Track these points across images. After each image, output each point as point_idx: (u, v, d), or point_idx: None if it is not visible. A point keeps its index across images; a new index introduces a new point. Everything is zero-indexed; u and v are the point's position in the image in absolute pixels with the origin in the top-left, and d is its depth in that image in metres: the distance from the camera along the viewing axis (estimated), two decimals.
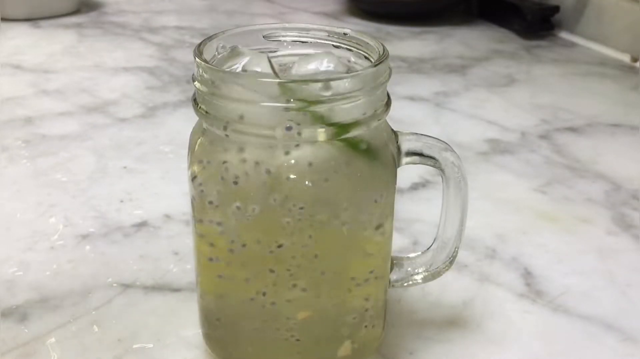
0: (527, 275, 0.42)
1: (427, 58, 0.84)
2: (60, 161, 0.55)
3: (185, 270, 0.42)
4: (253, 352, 0.33)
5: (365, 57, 0.32)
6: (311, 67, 0.31)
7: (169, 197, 0.50)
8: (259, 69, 0.31)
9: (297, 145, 0.28)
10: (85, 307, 0.38)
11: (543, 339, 0.37)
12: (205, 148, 0.30)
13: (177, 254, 0.43)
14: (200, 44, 0.31)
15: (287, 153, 0.28)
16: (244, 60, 0.31)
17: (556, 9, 0.92)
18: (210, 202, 0.30)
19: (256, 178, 0.28)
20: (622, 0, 0.83)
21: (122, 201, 0.50)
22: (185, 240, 0.45)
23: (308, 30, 0.34)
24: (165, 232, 0.46)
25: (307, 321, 0.31)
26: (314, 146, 0.28)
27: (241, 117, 0.28)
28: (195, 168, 0.30)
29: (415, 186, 0.53)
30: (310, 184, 0.28)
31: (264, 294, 0.30)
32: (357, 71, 0.30)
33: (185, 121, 0.51)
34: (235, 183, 0.29)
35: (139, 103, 0.67)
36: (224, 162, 0.29)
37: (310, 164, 0.28)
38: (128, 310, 0.38)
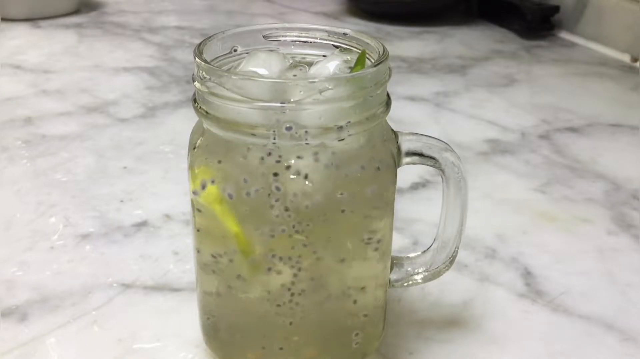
0: (527, 275, 0.42)
1: (427, 58, 0.84)
2: (60, 161, 0.55)
3: (185, 270, 0.42)
4: (253, 352, 0.33)
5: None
6: (330, 66, 0.31)
7: (169, 197, 0.50)
8: (258, 70, 0.31)
9: (297, 146, 0.28)
10: (85, 307, 0.38)
11: (543, 339, 0.37)
12: (205, 148, 0.30)
13: (177, 254, 0.43)
14: (200, 44, 0.31)
15: (286, 153, 0.28)
16: (251, 61, 0.31)
17: (556, 9, 0.92)
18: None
19: (255, 178, 0.28)
20: (622, 0, 0.83)
21: (122, 201, 0.50)
22: (185, 240, 0.45)
23: (308, 30, 0.34)
24: (165, 232, 0.46)
25: (307, 322, 0.31)
26: (313, 146, 0.28)
27: (240, 117, 0.28)
28: (195, 168, 0.30)
29: (415, 186, 0.53)
30: (309, 184, 0.28)
31: (263, 294, 0.30)
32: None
33: (185, 121, 0.51)
34: (236, 182, 0.29)
35: (139, 103, 0.67)
36: (224, 162, 0.29)
37: (309, 164, 0.28)
38: (128, 310, 0.38)
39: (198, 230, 0.31)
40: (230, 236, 0.29)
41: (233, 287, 0.31)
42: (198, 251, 0.32)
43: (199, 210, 0.30)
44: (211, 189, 0.29)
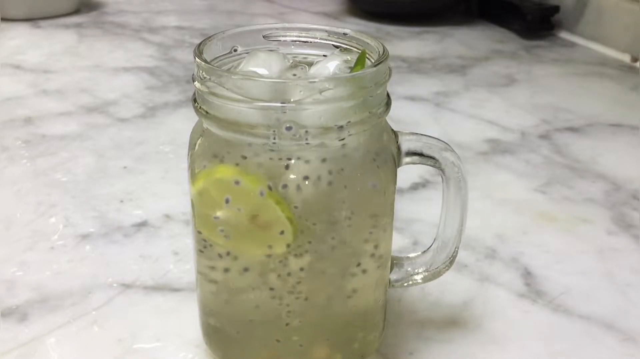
0: (527, 275, 0.42)
1: (427, 58, 0.84)
2: (60, 161, 0.55)
3: (185, 270, 0.42)
4: (253, 352, 0.33)
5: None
6: (330, 66, 0.31)
7: (169, 197, 0.50)
8: (258, 70, 0.31)
9: (297, 146, 0.28)
10: (85, 307, 0.38)
11: (543, 339, 0.37)
12: (205, 148, 0.30)
13: (177, 254, 0.43)
14: (200, 44, 0.31)
15: (286, 153, 0.28)
16: (251, 61, 0.31)
17: (556, 9, 0.92)
18: (210, 202, 0.30)
19: (256, 178, 0.28)
20: (622, 0, 0.83)
21: (122, 201, 0.50)
22: (185, 240, 0.45)
23: (308, 30, 0.34)
24: (165, 232, 0.46)
25: (306, 322, 0.31)
26: (313, 146, 0.28)
27: (240, 117, 0.28)
28: (195, 168, 0.30)
29: (415, 186, 0.53)
30: (309, 184, 0.28)
31: (263, 293, 0.31)
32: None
33: (185, 121, 0.51)
34: (237, 182, 0.29)
35: (139, 103, 0.67)
36: (224, 162, 0.29)
37: (309, 164, 0.28)
38: (128, 310, 0.38)
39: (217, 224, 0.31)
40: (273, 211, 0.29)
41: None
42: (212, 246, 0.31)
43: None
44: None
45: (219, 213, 0.29)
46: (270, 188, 0.28)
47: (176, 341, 0.36)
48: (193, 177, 0.30)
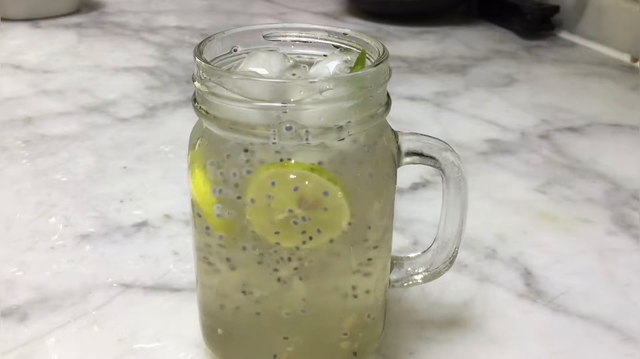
0: (527, 275, 0.42)
1: (427, 58, 0.84)
2: (60, 161, 0.55)
3: (185, 270, 0.42)
4: (253, 351, 0.33)
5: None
6: (330, 66, 0.31)
7: (169, 197, 0.50)
8: (258, 70, 0.31)
9: (298, 145, 0.28)
10: (85, 307, 0.38)
11: (543, 339, 0.37)
12: (205, 148, 0.30)
13: (177, 254, 0.43)
14: (200, 44, 0.31)
15: (286, 153, 0.28)
16: (251, 61, 0.31)
17: (556, 9, 0.92)
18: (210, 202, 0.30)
19: (256, 178, 0.28)
20: (622, 0, 0.83)
21: (122, 201, 0.50)
22: (185, 240, 0.45)
23: (308, 30, 0.34)
24: (165, 232, 0.46)
25: (306, 322, 0.31)
26: (314, 146, 0.28)
27: (240, 117, 0.28)
28: (196, 168, 0.30)
29: (415, 186, 0.53)
30: (309, 184, 0.28)
31: (262, 292, 0.31)
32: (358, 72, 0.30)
33: (185, 121, 0.51)
34: (236, 184, 0.29)
35: (139, 103, 0.67)
36: (224, 162, 0.29)
37: (310, 164, 0.28)
38: (128, 310, 0.38)
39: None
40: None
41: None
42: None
43: (252, 200, 0.29)
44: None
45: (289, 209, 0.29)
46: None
47: (176, 341, 0.36)
48: (193, 176, 0.30)
